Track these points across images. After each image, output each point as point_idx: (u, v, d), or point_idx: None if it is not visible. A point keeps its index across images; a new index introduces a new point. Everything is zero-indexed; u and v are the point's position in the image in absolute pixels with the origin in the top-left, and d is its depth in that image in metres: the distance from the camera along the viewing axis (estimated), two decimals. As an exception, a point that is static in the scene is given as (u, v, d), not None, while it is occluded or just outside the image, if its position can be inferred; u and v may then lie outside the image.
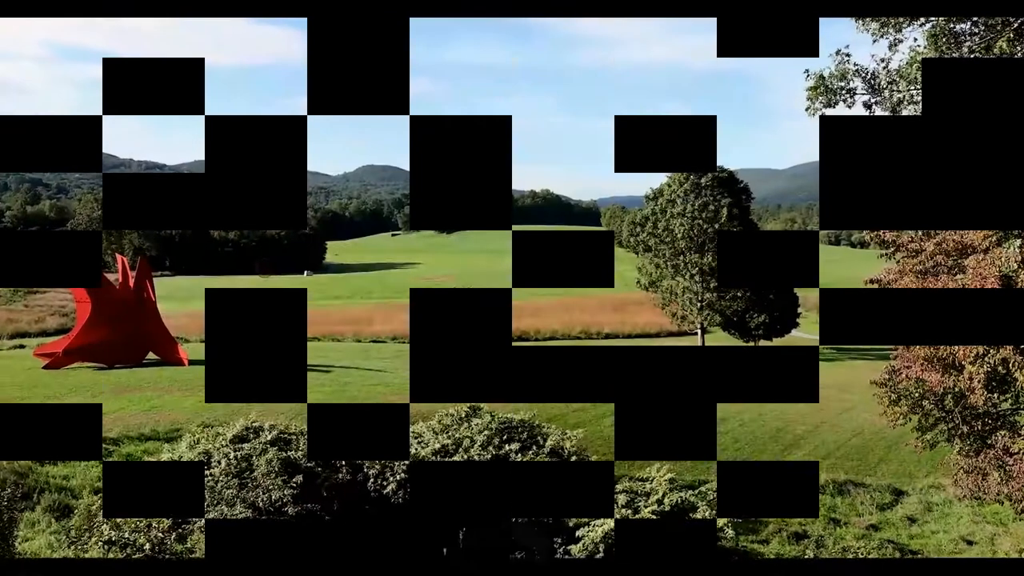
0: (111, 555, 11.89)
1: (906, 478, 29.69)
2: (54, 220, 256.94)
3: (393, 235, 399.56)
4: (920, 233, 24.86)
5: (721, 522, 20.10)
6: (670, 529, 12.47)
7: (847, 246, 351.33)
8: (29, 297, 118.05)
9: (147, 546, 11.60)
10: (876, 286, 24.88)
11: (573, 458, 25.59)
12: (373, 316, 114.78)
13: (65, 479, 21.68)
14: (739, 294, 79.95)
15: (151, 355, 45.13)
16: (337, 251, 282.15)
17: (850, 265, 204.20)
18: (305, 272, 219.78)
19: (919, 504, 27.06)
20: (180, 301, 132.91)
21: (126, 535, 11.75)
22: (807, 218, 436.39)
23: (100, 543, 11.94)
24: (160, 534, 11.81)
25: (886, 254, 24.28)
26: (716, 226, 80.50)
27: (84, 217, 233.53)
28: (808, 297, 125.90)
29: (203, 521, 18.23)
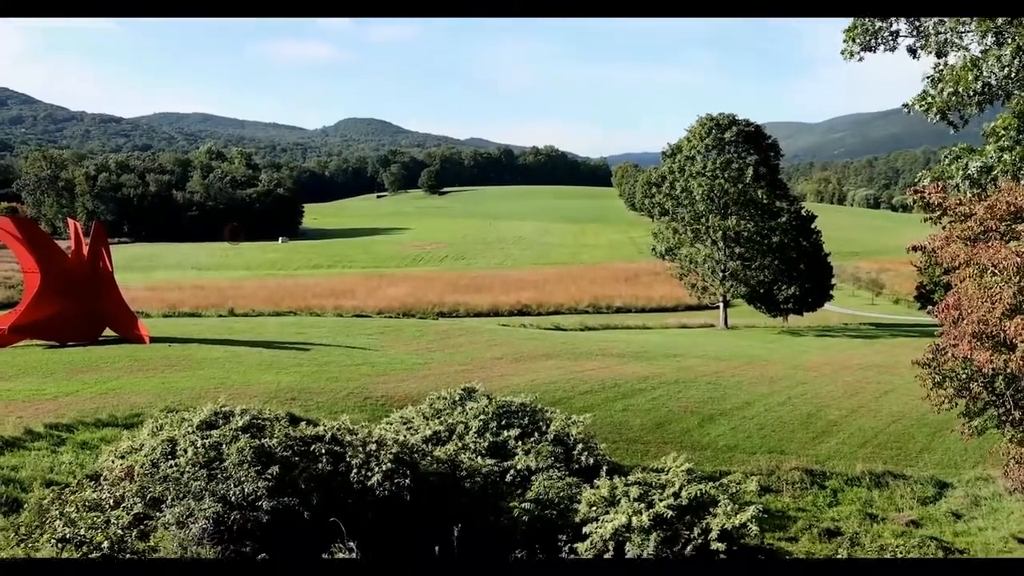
0: (65, 554, 11.93)
1: (951, 469, 29.78)
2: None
3: (379, 197, 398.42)
4: (970, 195, 24.83)
5: (745, 517, 20.15)
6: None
7: (887, 209, 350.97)
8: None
9: (105, 544, 11.62)
10: (920, 254, 24.89)
11: (579, 446, 25.68)
12: (356, 288, 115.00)
13: (14, 470, 21.69)
14: (766, 263, 79.76)
15: (108, 331, 45.12)
16: (316, 215, 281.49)
17: (891, 231, 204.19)
18: (280, 238, 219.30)
19: (965, 498, 27.14)
20: (140, 271, 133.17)
21: (82, 532, 11.78)
22: (843, 177, 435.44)
23: (53, 540, 11.98)
24: (120, 531, 11.84)
25: (931, 218, 24.22)
26: (740, 186, 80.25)
27: (31, 177, 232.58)
28: (844, 267, 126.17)
29: (167, 516, 18.34)
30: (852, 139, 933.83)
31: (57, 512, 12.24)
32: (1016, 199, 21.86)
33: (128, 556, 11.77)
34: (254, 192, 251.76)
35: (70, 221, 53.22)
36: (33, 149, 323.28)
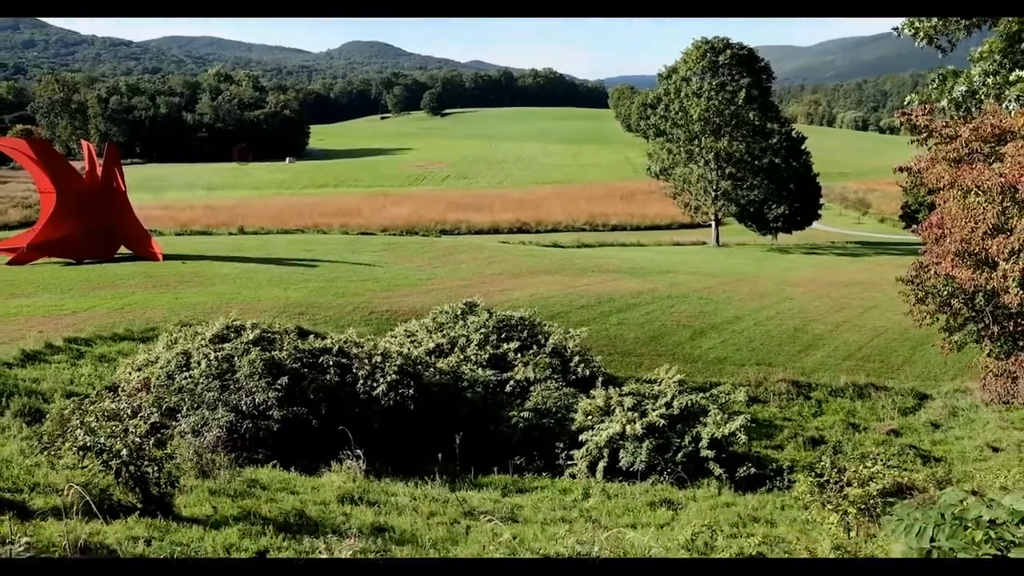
0: (86, 461, 12.02)
1: (931, 381, 30.01)
2: (11, 103, 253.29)
3: (382, 118, 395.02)
4: (956, 118, 24.59)
5: (734, 426, 20.33)
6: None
7: (875, 131, 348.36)
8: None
9: (124, 452, 11.71)
10: (906, 175, 24.75)
11: (576, 358, 25.85)
12: (361, 206, 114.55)
13: (35, 382, 21.85)
14: (757, 182, 79.47)
15: (123, 249, 45.12)
16: (322, 136, 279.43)
17: (879, 153, 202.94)
18: (287, 159, 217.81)
19: (944, 409, 27.40)
20: (152, 191, 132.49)
21: (102, 440, 11.86)
22: (833, 100, 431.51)
23: (74, 448, 12.08)
24: (137, 439, 11.92)
25: (917, 140, 24.03)
26: (733, 108, 79.63)
27: (45, 100, 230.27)
28: (832, 187, 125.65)
29: (183, 425, 18.51)
30: (842, 62, 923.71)
31: (78, 422, 12.29)
32: (1001, 121, 21.66)
33: (146, 464, 11.85)
34: (261, 114, 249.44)
35: (84, 143, 52.88)
36: (46, 72, 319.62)
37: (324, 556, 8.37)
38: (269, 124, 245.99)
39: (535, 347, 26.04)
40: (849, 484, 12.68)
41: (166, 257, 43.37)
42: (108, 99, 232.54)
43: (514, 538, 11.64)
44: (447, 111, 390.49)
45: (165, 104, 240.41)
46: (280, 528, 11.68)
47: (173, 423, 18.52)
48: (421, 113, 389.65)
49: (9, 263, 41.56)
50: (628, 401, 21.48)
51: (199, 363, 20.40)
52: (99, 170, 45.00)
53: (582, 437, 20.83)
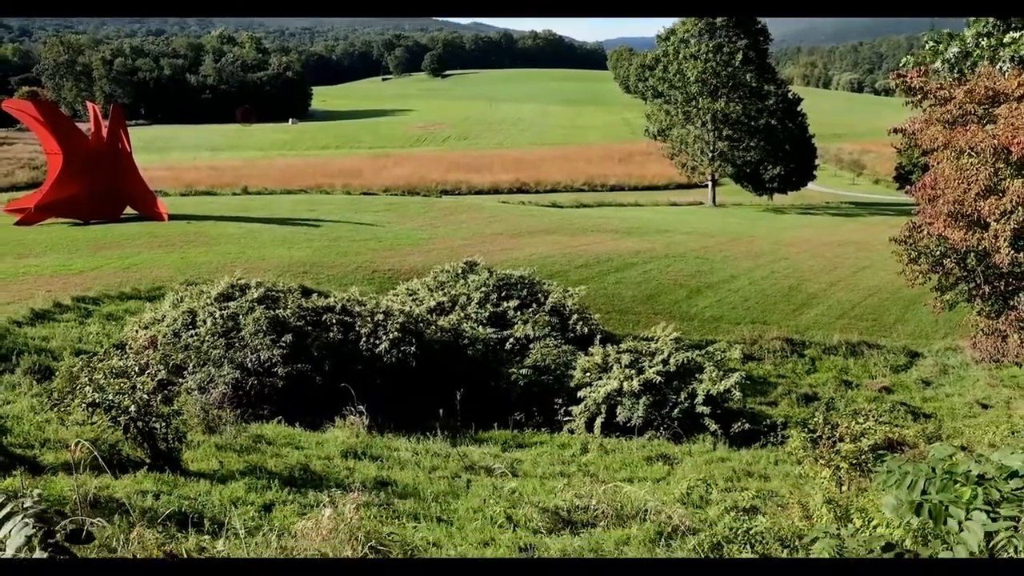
0: (95, 418, 12.08)
1: (922, 339, 30.07)
2: (17, 65, 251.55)
3: (384, 79, 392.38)
4: (950, 80, 24.44)
5: (729, 383, 20.41)
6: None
7: (870, 93, 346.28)
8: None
9: (132, 408, 11.77)
10: (901, 136, 24.64)
11: (574, 316, 25.89)
12: (363, 167, 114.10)
13: (45, 340, 21.90)
14: (753, 144, 79.12)
15: (129, 210, 45.02)
16: (324, 97, 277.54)
17: (874, 114, 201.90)
18: (290, 120, 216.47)
19: (935, 366, 27.48)
20: (157, 152, 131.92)
21: (110, 397, 11.92)
22: (828, 62, 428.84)
23: (83, 405, 12.14)
24: (145, 396, 11.98)
25: (912, 102, 23.90)
26: (730, 70, 79.14)
27: (50, 62, 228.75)
28: (827, 148, 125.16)
29: (189, 382, 18.57)
30: (838, 24, 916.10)
31: (87, 379, 12.34)
32: (994, 83, 21.55)
33: (154, 420, 11.92)
34: (264, 75, 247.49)
35: (89, 104, 52.63)
36: (51, 35, 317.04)
37: (328, 510, 8.41)
38: (272, 86, 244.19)
39: (534, 305, 26.07)
40: (841, 440, 12.75)
41: (171, 217, 43.29)
42: (112, 61, 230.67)
43: (513, 492, 11.72)
44: (448, 72, 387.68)
45: (169, 66, 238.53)
46: (285, 482, 11.78)
47: (180, 380, 18.54)
48: (422, 75, 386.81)
49: (17, 223, 41.48)
50: (626, 358, 21.54)
51: (205, 321, 20.44)
52: (104, 131, 44.82)
53: (580, 393, 20.91)
